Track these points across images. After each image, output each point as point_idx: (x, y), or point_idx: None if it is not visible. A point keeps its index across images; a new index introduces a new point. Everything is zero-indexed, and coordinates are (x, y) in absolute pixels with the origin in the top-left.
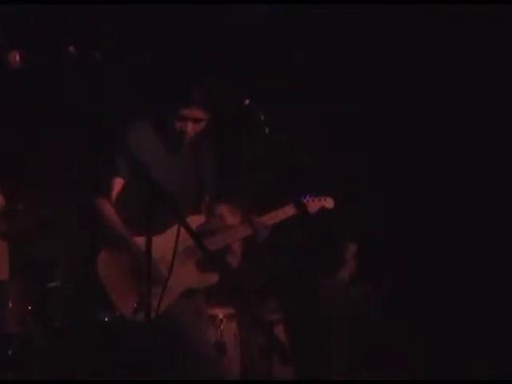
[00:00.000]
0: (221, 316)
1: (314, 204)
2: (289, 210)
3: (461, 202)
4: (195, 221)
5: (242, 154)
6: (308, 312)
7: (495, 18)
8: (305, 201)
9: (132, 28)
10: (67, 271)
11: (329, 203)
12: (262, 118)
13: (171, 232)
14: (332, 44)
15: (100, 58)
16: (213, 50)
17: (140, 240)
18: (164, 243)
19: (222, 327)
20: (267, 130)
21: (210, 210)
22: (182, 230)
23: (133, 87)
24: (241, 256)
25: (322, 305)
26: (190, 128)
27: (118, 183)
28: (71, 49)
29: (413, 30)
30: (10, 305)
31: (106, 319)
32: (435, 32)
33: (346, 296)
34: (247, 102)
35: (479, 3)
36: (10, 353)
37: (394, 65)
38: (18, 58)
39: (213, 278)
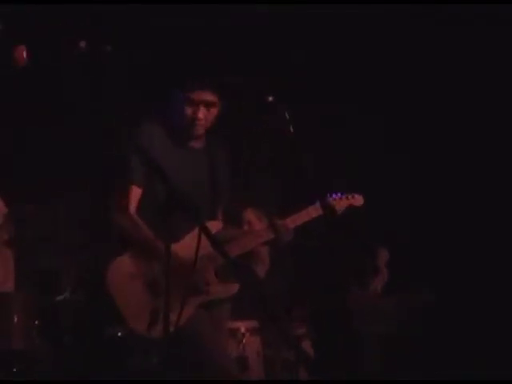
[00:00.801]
0: (243, 330)
1: (341, 202)
2: (313, 211)
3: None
4: (213, 226)
5: (261, 153)
6: (337, 326)
7: (495, 17)
8: (331, 200)
9: (136, 25)
10: (76, 283)
11: (358, 200)
12: (287, 116)
13: (189, 239)
14: (332, 44)
15: (111, 50)
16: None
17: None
18: (181, 251)
19: (244, 341)
20: (292, 129)
21: (229, 216)
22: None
23: (136, 85)
24: (269, 264)
25: (352, 318)
26: (202, 114)
27: (136, 192)
28: (82, 44)
29: (413, 30)
30: (15, 319)
31: (120, 334)
32: (435, 32)
33: (378, 309)
34: (270, 98)
35: (479, 3)
36: (14, 370)
37: (394, 65)
38: (24, 54)
39: (233, 288)
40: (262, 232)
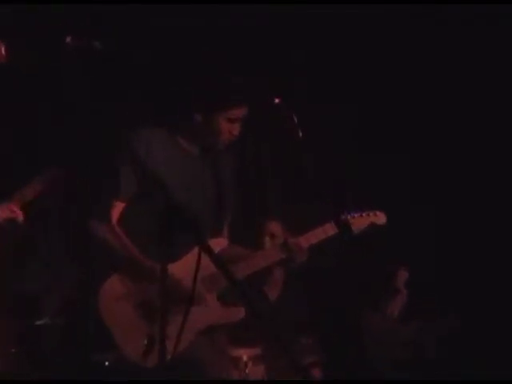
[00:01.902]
0: (245, 358)
1: (360, 221)
2: (329, 229)
3: None
4: (216, 244)
5: (269, 162)
6: (350, 354)
7: (495, 18)
8: (349, 217)
9: (142, 28)
10: (58, 305)
11: (380, 218)
12: (296, 120)
13: (188, 259)
14: (333, 44)
15: (100, 47)
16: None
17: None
18: (179, 272)
19: (247, 371)
20: (301, 134)
21: (248, 226)
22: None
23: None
24: (282, 286)
25: (367, 346)
26: (239, 130)
27: (119, 207)
28: (68, 39)
29: (413, 30)
30: None
31: (107, 363)
32: (435, 32)
33: (396, 335)
34: (277, 100)
35: (479, 3)
36: None
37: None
38: (3, 50)
39: (238, 314)
40: (273, 251)
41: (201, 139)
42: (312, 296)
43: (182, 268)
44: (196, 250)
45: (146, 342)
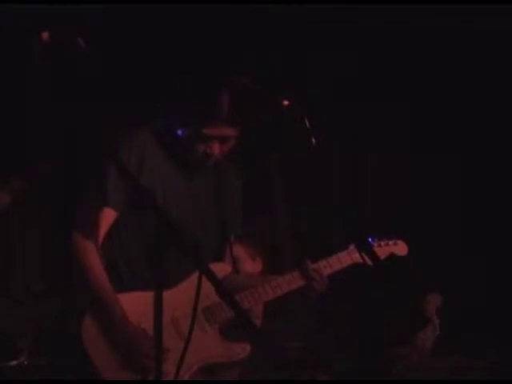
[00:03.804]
0: None
1: (379, 251)
2: (347, 257)
3: None
4: (218, 270)
5: (279, 175)
6: None
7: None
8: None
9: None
10: (35, 343)
11: (401, 249)
12: (308, 124)
13: (185, 286)
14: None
15: (84, 45)
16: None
17: (138, 298)
18: (173, 303)
19: None
20: (314, 142)
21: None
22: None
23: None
24: (262, 316)
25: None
26: (216, 149)
27: (108, 215)
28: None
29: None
30: None
31: None
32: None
33: (428, 372)
34: (286, 102)
35: (479, 3)
36: None
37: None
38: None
39: (243, 350)
40: (287, 279)
41: (181, 155)
42: (326, 327)
43: (178, 296)
44: (195, 275)
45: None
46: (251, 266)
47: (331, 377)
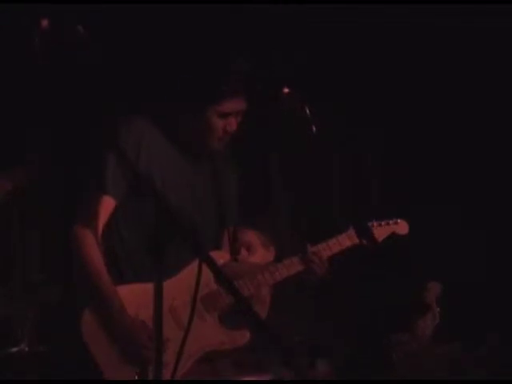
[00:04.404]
0: None
1: (380, 230)
2: (346, 240)
3: None
4: (217, 258)
5: (280, 162)
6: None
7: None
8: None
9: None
10: (36, 331)
11: (402, 228)
12: (308, 112)
13: (185, 274)
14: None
15: (84, 32)
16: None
17: (137, 290)
18: (172, 292)
19: None
20: (315, 130)
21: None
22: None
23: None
24: (269, 303)
25: (395, 372)
26: (235, 125)
27: (107, 204)
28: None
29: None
30: None
31: None
32: (435, 32)
33: (428, 359)
34: (286, 90)
35: (479, 3)
36: None
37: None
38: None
39: (242, 338)
40: (289, 263)
41: (194, 139)
42: (325, 316)
43: (178, 285)
44: (195, 264)
45: (136, 377)
46: (263, 254)
47: (331, 365)
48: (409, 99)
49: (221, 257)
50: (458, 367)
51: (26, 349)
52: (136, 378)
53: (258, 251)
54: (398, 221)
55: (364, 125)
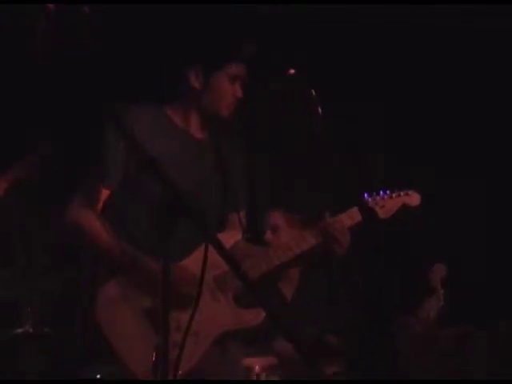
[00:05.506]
0: (257, 369)
1: (390, 202)
2: (346, 219)
3: None
4: (227, 238)
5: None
6: (380, 364)
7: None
8: (377, 198)
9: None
10: (40, 312)
11: (413, 199)
12: (314, 93)
13: (195, 257)
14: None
15: (88, 11)
16: None
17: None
18: (184, 273)
19: None
20: (320, 111)
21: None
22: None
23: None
24: (297, 283)
25: (399, 355)
26: (240, 92)
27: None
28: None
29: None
30: None
31: (99, 376)
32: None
33: (433, 343)
34: (292, 71)
35: (479, 3)
36: None
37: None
38: None
39: (257, 317)
40: (305, 236)
41: (202, 109)
42: (331, 296)
43: (188, 267)
44: (201, 248)
45: (154, 355)
46: (290, 235)
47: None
48: (409, 99)
49: (231, 236)
50: (462, 352)
51: (31, 330)
52: (154, 360)
53: (285, 232)
54: (409, 192)
55: (364, 125)
